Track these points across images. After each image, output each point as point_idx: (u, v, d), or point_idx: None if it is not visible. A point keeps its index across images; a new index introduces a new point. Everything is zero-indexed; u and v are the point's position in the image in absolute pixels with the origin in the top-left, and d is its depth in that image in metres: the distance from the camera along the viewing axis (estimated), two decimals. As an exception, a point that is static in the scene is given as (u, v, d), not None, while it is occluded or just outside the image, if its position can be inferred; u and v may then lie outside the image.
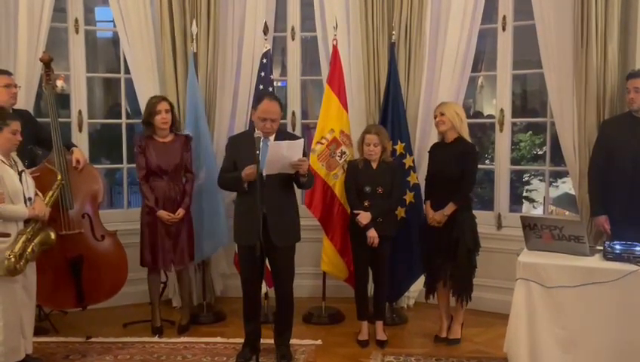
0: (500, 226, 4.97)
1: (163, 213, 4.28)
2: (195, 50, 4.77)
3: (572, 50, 4.40)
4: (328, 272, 4.79)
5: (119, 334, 4.41)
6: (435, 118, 4.20)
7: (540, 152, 7.21)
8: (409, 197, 4.60)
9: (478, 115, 6.92)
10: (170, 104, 4.40)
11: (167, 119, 4.33)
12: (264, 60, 4.72)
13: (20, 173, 3.57)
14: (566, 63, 4.46)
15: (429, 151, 4.38)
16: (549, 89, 4.62)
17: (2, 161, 3.49)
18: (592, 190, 4.16)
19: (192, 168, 4.49)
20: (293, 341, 4.07)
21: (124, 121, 5.31)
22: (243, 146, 3.73)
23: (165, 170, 4.32)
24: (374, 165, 4.21)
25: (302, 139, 3.73)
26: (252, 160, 3.57)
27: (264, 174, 3.62)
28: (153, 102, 4.35)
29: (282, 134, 3.89)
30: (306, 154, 3.76)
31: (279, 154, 3.58)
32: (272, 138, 3.75)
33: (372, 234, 4.12)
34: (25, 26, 4.59)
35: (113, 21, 5.02)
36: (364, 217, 4.12)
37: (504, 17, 4.87)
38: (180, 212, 4.33)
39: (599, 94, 4.25)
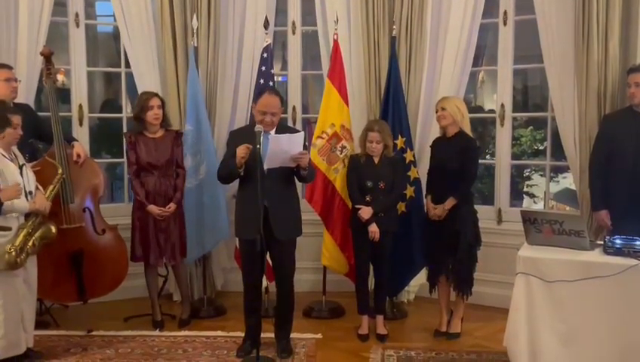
0: (500, 221, 4.97)
1: (153, 208, 4.28)
2: (195, 45, 4.76)
3: (573, 45, 4.39)
4: (329, 266, 4.80)
5: (120, 328, 4.42)
6: (436, 112, 4.20)
7: (541, 147, 7.21)
8: (409, 191, 4.60)
9: (479, 109, 6.91)
10: (162, 100, 4.40)
11: (159, 115, 4.33)
12: (265, 55, 4.71)
13: (20, 167, 3.58)
14: (567, 58, 4.45)
15: (430, 146, 4.38)
16: (550, 84, 4.62)
17: (3, 155, 3.50)
18: (592, 185, 4.16)
19: (182, 164, 4.49)
20: (293, 335, 4.09)
21: (124, 115, 5.31)
22: (244, 140, 3.72)
23: (156, 165, 4.32)
24: (376, 160, 4.21)
25: (302, 133, 3.73)
26: (253, 154, 3.57)
27: (265, 168, 3.62)
28: (145, 97, 4.34)
29: (282, 128, 3.89)
30: (306, 147, 3.76)
31: (280, 148, 3.58)
32: (272, 132, 3.75)
33: (373, 229, 4.12)
34: (25, 20, 4.60)
35: (114, 15, 5.02)
36: (365, 212, 4.12)
37: (505, 12, 4.86)
38: (171, 206, 4.32)
39: (600, 89, 4.25)
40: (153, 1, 4.90)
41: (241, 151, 3.61)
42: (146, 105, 4.29)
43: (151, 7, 4.92)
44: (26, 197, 3.56)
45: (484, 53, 5.71)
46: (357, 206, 4.18)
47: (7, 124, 3.50)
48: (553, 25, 4.51)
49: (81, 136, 4.94)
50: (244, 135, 3.80)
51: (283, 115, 4.90)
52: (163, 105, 4.39)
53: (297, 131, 3.87)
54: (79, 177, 4.26)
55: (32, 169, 3.75)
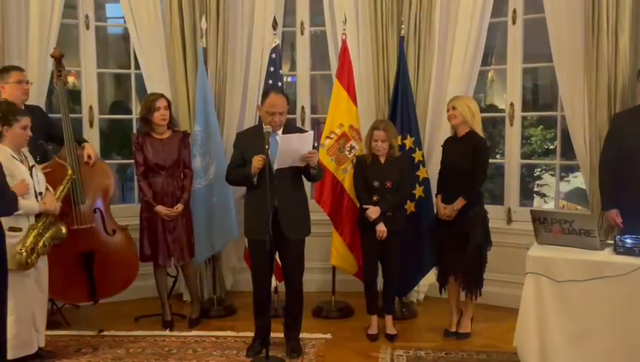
0: (510, 220, 4.95)
1: (161, 208, 4.30)
2: (204, 46, 4.78)
3: (583, 43, 4.36)
4: (338, 266, 4.80)
5: (131, 328, 4.44)
6: (447, 111, 4.19)
7: (552, 147, 7.17)
8: (418, 191, 4.59)
9: (489, 108, 6.89)
10: (168, 101, 4.42)
11: (166, 116, 4.35)
12: (273, 55, 4.72)
13: (30, 168, 3.61)
14: (577, 56, 4.42)
15: (441, 146, 4.36)
16: (560, 82, 4.59)
17: (13, 156, 3.53)
18: (602, 184, 4.13)
19: (190, 164, 4.51)
20: (302, 335, 4.10)
21: (134, 116, 5.34)
22: (252, 142, 3.74)
23: (163, 166, 4.34)
24: (382, 160, 4.20)
25: (311, 132, 3.75)
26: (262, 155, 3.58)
27: (274, 168, 3.63)
28: (152, 99, 4.36)
29: (290, 128, 3.90)
30: (315, 146, 3.76)
31: (290, 148, 3.59)
32: (279, 132, 3.76)
33: (381, 228, 4.12)
34: (36, 23, 4.63)
35: (123, 17, 5.05)
36: (373, 212, 4.11)
37: (514, 10, 4.84)
38: (179, 207, 4.34)
39: (610, 87, 4.22)
40: (162, 3, 4.93)
41: (257, 162, 3.62)
42: (152, 107, 4.31)
43: (160, 8, 4.94)
44: (36, 198, 3.59)
45: (493, 52, 5.69)
46: (364, 206, 4.18)
47: (13, 120, 3.52)
48: (562, 23, 4.49)
49: (92, 137, 4.98)
50: (251, 136, 3.81)
51: (292, 116, 4.92)
52: (170, 106, 4.41)
53: (305, 131, 3.87)
54: (90, 178, 4.29)
55: (42, 170, 3.78)
